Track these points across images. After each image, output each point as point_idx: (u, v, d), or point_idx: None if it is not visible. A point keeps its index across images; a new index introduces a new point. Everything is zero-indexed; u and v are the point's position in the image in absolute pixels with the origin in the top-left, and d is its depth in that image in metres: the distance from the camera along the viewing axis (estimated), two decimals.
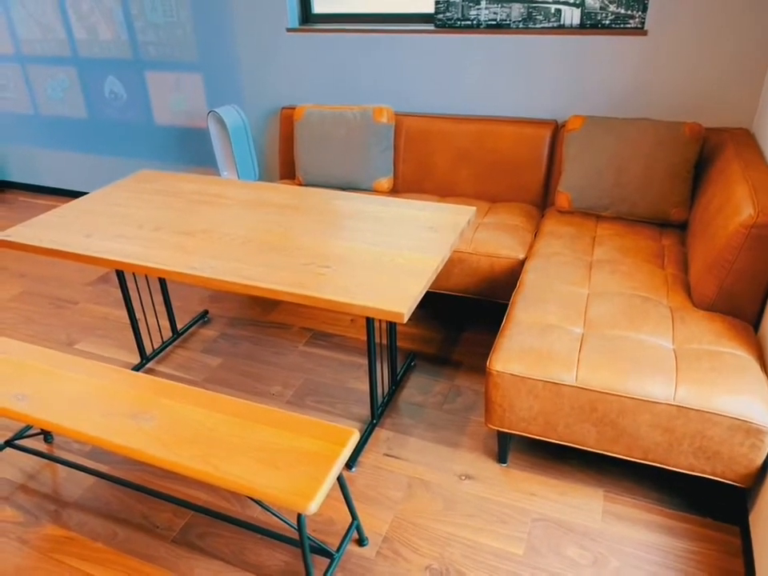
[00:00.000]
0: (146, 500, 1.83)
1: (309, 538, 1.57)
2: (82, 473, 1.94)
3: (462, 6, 2.65)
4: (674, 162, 2.28)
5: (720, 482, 1.72)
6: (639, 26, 2.43)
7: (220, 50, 3.22)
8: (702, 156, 2.39)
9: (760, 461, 1.53)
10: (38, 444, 2.07)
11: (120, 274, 2.32)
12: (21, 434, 2.04)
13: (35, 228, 1.96)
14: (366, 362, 2.42)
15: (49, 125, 3.99)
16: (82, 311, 2.87)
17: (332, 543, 1.68)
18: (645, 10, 2.39)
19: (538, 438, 1.76)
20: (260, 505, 1.45)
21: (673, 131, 2.29)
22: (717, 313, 1.84)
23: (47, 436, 2.09)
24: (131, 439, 1.45)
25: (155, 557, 1.66)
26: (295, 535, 1.68)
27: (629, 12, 2.42)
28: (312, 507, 1.26)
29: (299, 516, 1.37)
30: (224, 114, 3.09)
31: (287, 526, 1.71)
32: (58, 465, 1.98)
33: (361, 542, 1.67)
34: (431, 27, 2.78)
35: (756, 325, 1.85)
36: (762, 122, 2.26)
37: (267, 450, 1.40)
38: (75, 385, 1.64)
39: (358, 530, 1.67)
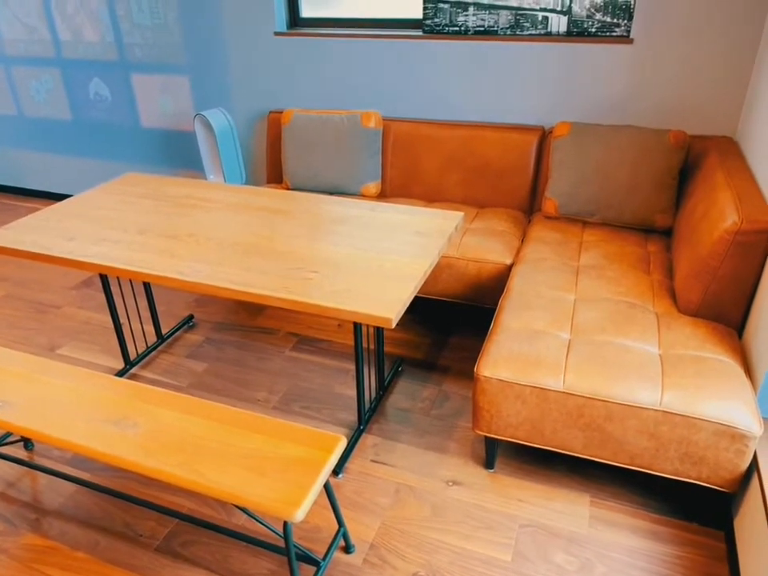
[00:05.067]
0: (129, 508, 1.80)
1: (295, 546, 1.55)
2: (63, 480, 1.90)
3: (450, 12, 2.66)
4: (659, 169, 2.30)
5: (705, 486, 1.73)
6: (625, 34, 2.46)
7: (207, 52, 3.20)
8: (686, 163, 2.42)
9: (745, 466, 1.54)
10: (18, 451, 2.03)
11: (104, 278, 2.29)
12: (0, 442, 2.00)
13: (17, 231, 1.92)
14: (353, 367, 2.41)
15: (32, 126, 3.94)
16: (65, 315, 2.83)
17: (318, 551, 1.66)
18: (630, 18, 2.42)
19: (525, 443, 1.76)
20: (246, 513, 1.43)
21: (658, 138, 2.32)
22: (702, 318, 1.85)
23: (27, 443, 2.05)
24: (114, 446, 1.42)
25: (138, 566, 1.63)
26: (281, 543, 1.66)
27: (615, 20, 2.45)
28: (299, 515, 1.24)
29: (285, 524, 1.36)
30: (211, 117, 3.07)
31: (273, 533, 1.69)
32: (39, 472, 1.94)
33: (347, 549, 1.66)
34: (419, 33, 2.79)
35: (740, 330, 1.87)
36: (745, 130, 2.29)
37: (253, 457, 1.38)
38: (57, 391, 1.61)
39: (345, 537, 1.66)
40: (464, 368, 2.38)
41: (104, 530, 1.73)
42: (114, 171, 3.86)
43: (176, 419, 1.50)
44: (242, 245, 1.79)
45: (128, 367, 2.42)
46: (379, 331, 2.16)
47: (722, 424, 1.51)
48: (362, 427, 2.06)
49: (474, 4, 2.60)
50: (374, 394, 2.23)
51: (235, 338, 2.61)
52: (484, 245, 2.35)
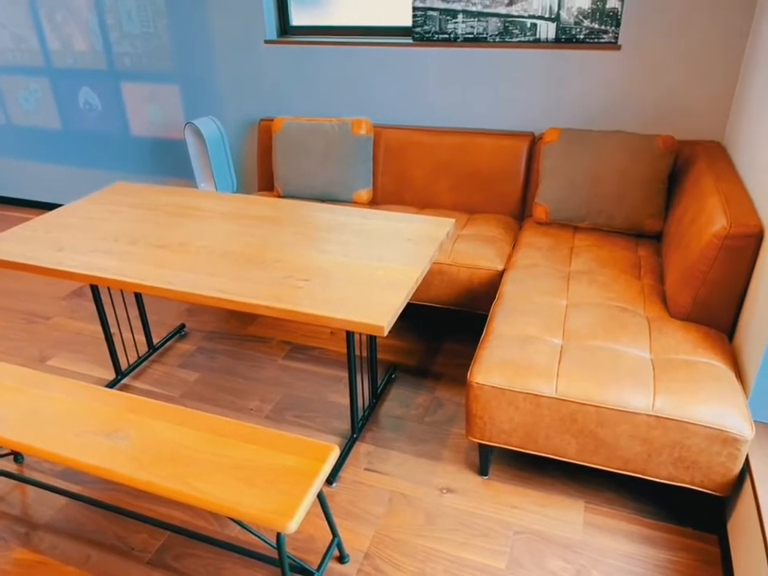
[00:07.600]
0: (121, 521, 1.78)
1: (289, 557, 1.54)
2: (54, 494, 1.88)
3: (440, 20, 2.68)
4: (648, 174, 2.32)
5: (698, 491, 1.73)
6: (613, 40, 2.48)
7: (197, 61, 3.20)
8: (675, 168, 2.44)
9: (737, 470, 1.55)
10: (7, 465, 2.00)
11: (94, 288, 2.27)
12: None
13: (6, 242, 1.91)
14: (346, 375, 2.40)
15: (21, 135, 3.92)
16: (55, 326, 2.81)
17: (312, 561, 1.65)
18: (618, 25, 2.44)
19: (518, 449, 1.76)
20: (239, 524, 1.42)
21: (647, 144, 2.33)
22: (692, 323, 1.86)
23: (17, 456, 2.03)
24: (105, 459, 1.41)
25: None
26: (275, 554, 1.65)
27: (603, 27, 2.47)
28: (292, 526, 1.23)
29: (279, 535, 1.35)
30: (201, 125, 3.07)
31: (267, 545, 1.68)
32: (29, 486, 1.92)
33: (342, 559, 1.65)
34: (409, 40, 2.80)
35: (730, 334, 1.88)
36: (733, 134, 2.31)
37: (246, 467, 1.37)
38: (47, 403, 1.60)
39: (339, 547, 1.65)
40: (457, 374, 2.38)
41: (95, 544, 1.71)
42: (104, 180, 3.84)
43: (168, 431, 1.49)
44: (233, 254, 1.78)
45: (119, 378, 2.40)
46: (372, 339, 2.16)
47: (714, 428, 1.51)
48: (355, 435, 2.05)
49: (463, 11, 2.62)
50: (367, 402, 2.22)
51: (227, 347, 2.60)
52: (475, 251, 2.36)
